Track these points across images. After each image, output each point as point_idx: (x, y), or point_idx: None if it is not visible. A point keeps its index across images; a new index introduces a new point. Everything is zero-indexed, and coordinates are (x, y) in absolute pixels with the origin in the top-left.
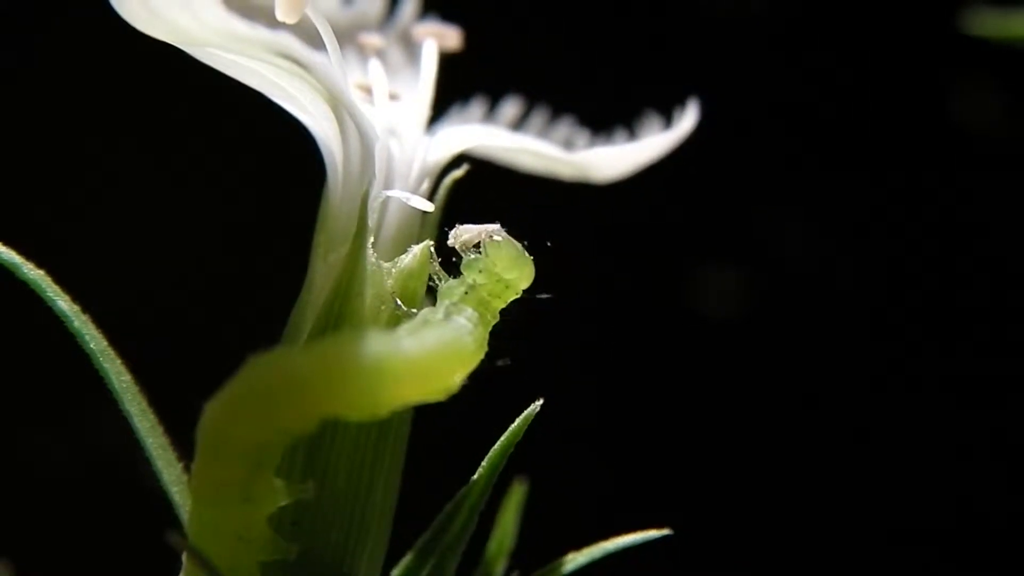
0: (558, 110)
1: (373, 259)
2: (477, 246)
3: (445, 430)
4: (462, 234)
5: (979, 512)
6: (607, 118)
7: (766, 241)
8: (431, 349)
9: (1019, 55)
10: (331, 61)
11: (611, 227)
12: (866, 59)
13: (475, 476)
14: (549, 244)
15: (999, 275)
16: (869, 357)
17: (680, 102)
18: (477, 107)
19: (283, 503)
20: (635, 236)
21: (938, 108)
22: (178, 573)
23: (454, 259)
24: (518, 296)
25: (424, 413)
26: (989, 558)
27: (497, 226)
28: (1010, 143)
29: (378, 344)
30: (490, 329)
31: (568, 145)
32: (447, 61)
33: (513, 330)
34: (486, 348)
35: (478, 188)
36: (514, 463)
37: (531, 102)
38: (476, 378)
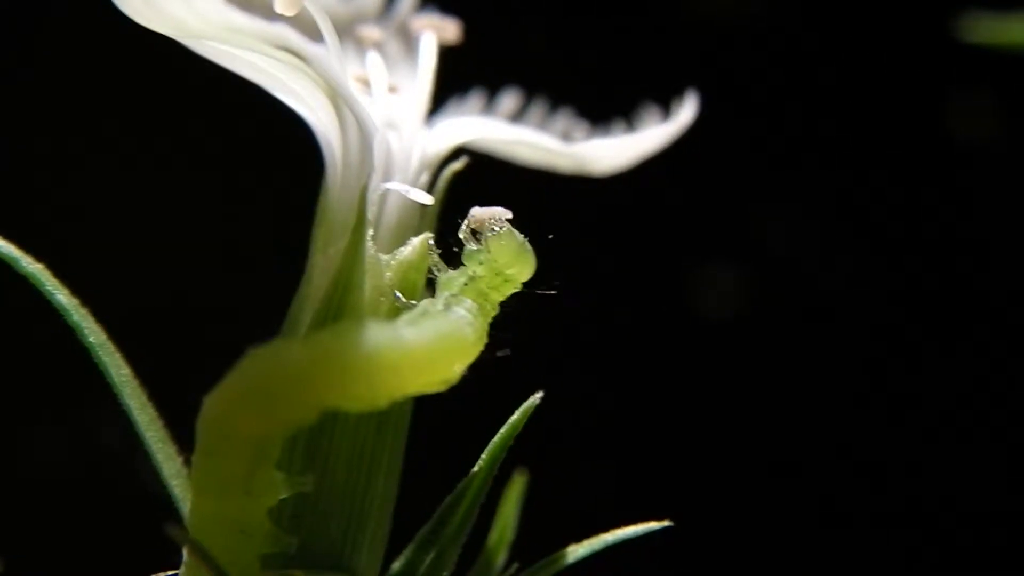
0: (557, 103)
1: (372, 251)
2: (478, 236)
3: (445, 422)
4: (474, 220)
5: (979, 512)
6: (606, 111)
7: (765, 240)
8: (430, 340)
9: (1014, 61)
10: (330, 53)
11: (611, 227)
12: (862, 63)
13: (475, 468)
14: (551, 237)
15: (997, 274)
16: (867, 357)
17: (679, 96)
18: (476, 99)
19: (283, 496)
20: (634, 236)
21: (933, 110)
22: (179, 567)
23: (455, 249)
24: (518, 290)
25: (424, 404)
26: (988, 558)
27: (501, 209)
28: (1004, 144)
29: (377, 335)
30: (490, 320)
31: (566, 137)
32: (446, 53)
33: (514, 325)
34: (486, 339)
35: (477, 181)
36: (515, 455)
37: (530, 95)
38: (476, 369)
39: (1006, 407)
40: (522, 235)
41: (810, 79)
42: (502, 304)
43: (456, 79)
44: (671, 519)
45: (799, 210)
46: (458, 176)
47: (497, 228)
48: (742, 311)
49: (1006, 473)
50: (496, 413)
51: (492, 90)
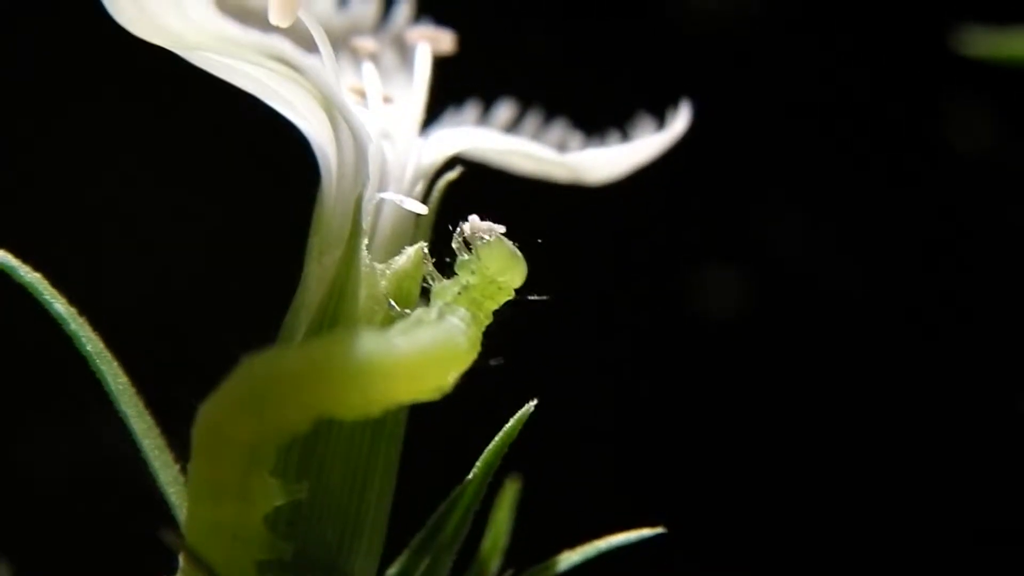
0: (553, 111)
1: (367, 261)
2: (471, 247)
3: (440, 429)
4: (466, 231)
5: (980, 512)
6: (601, 120)
7: (765, 241)
8: (424, 348)
9: (1012, 74)
10: (324, 64)
11: (611, 227)
12: (862, 74)
13: (470, 475)
14: (540, 241)
15: (996, 280)
16: (867, 358)
17: (675, 103)
18: (471, 110)
19: (279, 503)
20: (635, 236)
21: (931, 121)
22: (175, 573)
23: (448, 259)
24: (511, 297)
25: (418, 412)
26: (989, 560)
27: (488, 224)
28: (1001, 155)
29: (371, 343)
30: (483, 329)
31: (562, 147)
32: (441, 64)
33: (511, 331)
34: (479, 348)
35: (473, 190)
36: (510, 462)
37: (526, 104)
38: (471, 377)
39: (1006, 410)
40: (512, 243)
41: (809, 88)
42: (497, 312)
43: (451, 90)
44: (671, 522)
45: (799, 211)
46: (453, 186)
47: (487, 237)
48: (743, 311)
49: (1007, 474)
50: (493, 419)
51: (487, 100)
